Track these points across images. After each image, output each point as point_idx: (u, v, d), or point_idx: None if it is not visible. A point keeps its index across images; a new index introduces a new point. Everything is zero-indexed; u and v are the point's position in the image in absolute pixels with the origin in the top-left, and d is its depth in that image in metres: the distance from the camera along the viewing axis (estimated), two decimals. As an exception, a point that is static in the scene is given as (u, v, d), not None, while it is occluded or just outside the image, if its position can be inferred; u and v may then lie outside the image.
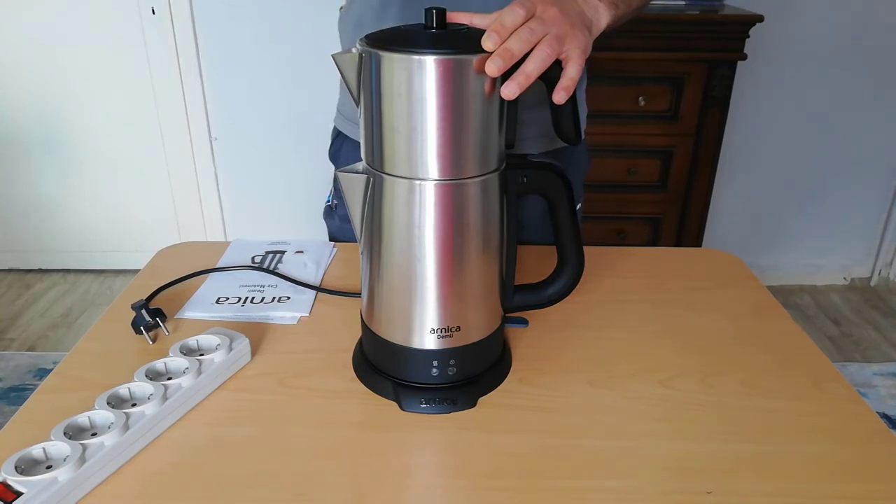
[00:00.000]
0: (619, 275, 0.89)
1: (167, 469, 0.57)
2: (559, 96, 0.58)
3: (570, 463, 0.58)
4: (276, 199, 2.41)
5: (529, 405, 0.65)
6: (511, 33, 0.55)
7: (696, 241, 2.06)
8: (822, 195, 2.42)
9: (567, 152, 0.88)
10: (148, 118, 2.31)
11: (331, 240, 1.01)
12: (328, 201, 1.04)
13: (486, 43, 0.55)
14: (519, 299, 0.69)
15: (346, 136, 0.98)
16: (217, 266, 0.89)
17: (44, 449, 0.54)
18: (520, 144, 0.62)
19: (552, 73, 0.58)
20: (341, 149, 0.99)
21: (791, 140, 2.33)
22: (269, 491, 0.55)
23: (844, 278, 2.57)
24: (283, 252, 0.93)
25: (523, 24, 0.56)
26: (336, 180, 0.98)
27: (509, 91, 0.56)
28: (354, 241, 0.65)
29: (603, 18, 0.69)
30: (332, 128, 1.03)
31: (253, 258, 0.91)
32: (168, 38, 2.18)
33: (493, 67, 0.54)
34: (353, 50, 0.57)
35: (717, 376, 0.70)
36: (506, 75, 0.56)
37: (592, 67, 0.97)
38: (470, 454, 0.59)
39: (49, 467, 0.53)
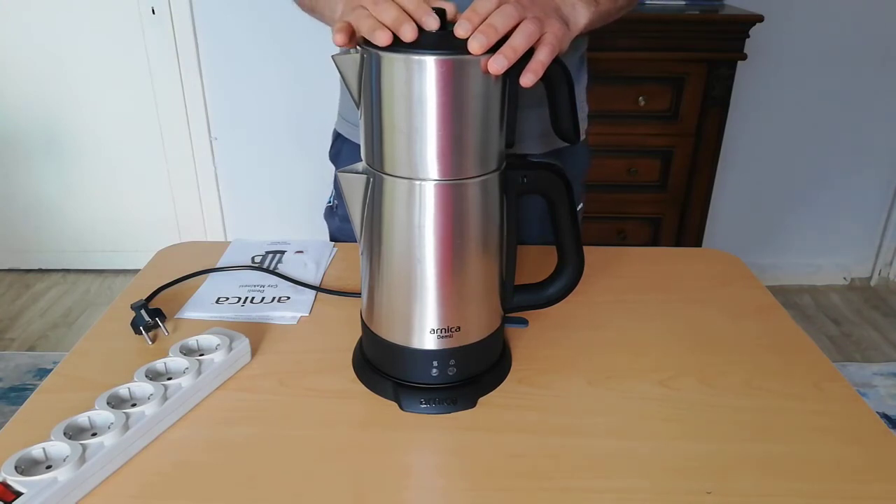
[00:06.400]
0: (619, 275, 0.89)
1: (167, 469, 0.57)
2: (526, 78, 0.56)
3: (570, 463, 0.58)
4: (276, 199, 2.41)
5: (529, 405, 0.65)
6: (483, 20, 0.54)
7: (696, 241, 2.06)
8: (822, 195, 2.43)
9: (567, 152, 0.88)
10: (148, 118, 2.31)
11: (331, 240, 1.01)
12: (329, 202, 1.04)
13: (459, 31, 0.54)
14: (519, 299, 0.69)
15: (346, 138, 0.98)
16: (217, 266, 0.89)
17: (44, 449, 0.54)
18: (520, 145, 0.62)
19: (550, 71, 0.57)
20: (342, 150, 0.99)
21: (791, 140, 2.33)
22: (269, 491, 0.55)
23: (844, 278, 2.57)
24: (283, 252, 0.93)
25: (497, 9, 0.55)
26: (336, 181, 0.98)
27: (497, 65, 0.54)
28: (355, 241, 0.65)
29: (581, 17, 0.68)
30: (332, 128, 1.03)
31: (253, 258, 0.91)
32: (168, 38, 2.18)
33: (475, 45, 0.53)
34: (352, 51, 0.57)
35: (717, 376, 0.70)
36: (509, 73, 0.55)
37: (592, 67, 0.98)
38: (470, 454, 0.59)
39: (49, 467, 0.53)
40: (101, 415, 0.58)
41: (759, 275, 0.90)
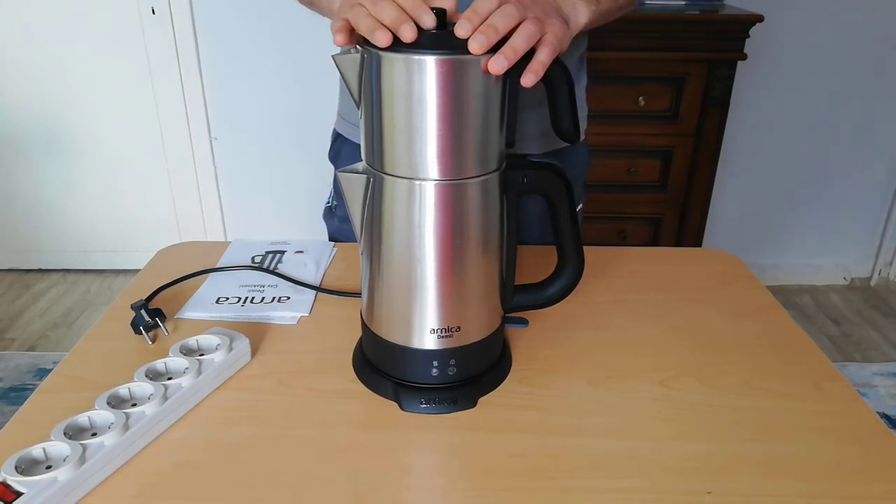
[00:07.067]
0: (619, 275, 0.89)
1: (167, 469, 0.57)
2: (527, 79, 0.56)
3: (570, 463, 0.58)
4: (276, 199, 2.41)
5: (529, 405, 0.65)
6: (483, 20, 0.54)
7: (696, 241, 2.06)
8: (822, 195, 2.43)
9: (567, 152, 0.88)
10: (148, 118, 2.31)
11: (330, 240, 1.01)
12: (328, 203, 1.04)
13: (459, 31, 0.54)
14: (519, 299, 0.69)
15: (345, 138, 0.98)
16: (217, 266, 0.89)
17: (44, 449, 0.54)
18: (520, 144, 0.62)
19: (550, 71, 0.57)
20: (341, 151, 0.99)
21: (791, 140, 2.33)
22: (269, 491, 0.55)
23: (844, 278, 2.57)
24: (283, 252, 0.93)
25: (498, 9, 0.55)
26: (336, 181, 0.98)
27: (498, 65, 0.54)
28: (354, 241, 0.65)
29: (581, 15, 0.68)
30: (332, 128, 1.03)
31: (253, 258, 0.91)
32: (168, 38, 2.18)
33: (475, 45, 0.53)
34: (352, 51, 0.57)
35: (717, 376, 0.70)
36: (509, 73, 0.55)
37: (592, 67, 0.98)
38: (470, 454, 0.59)
39: (49, 467, 0.53)
40: (101, 415, 0.58)
41: (759, 275, 0.90)
